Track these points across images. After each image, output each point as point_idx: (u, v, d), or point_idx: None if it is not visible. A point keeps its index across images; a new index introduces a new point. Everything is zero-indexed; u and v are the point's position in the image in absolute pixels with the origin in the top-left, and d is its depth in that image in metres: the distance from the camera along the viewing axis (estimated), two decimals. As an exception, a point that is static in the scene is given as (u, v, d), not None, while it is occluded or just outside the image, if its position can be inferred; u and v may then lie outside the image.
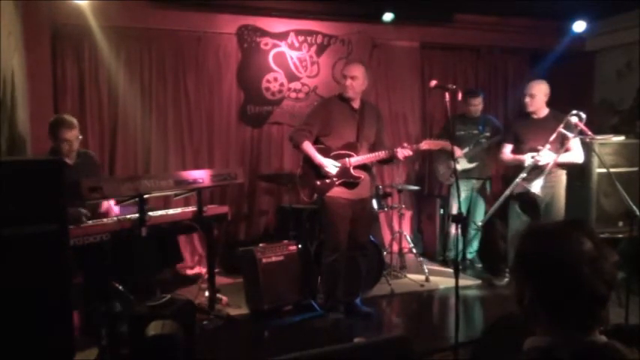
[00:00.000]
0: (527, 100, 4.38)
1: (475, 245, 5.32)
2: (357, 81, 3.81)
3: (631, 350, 1.14)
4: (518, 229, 4.55)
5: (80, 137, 3.82)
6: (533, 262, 1.19)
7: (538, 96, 4.35)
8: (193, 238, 5.21)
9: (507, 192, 3.98)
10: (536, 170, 4.16)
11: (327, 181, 3.81)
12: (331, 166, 3.77)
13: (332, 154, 3.81)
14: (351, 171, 3.80)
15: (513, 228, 4.59)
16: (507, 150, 4.58)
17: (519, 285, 1.22)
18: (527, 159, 4.24)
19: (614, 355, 1.12)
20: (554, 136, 4.09)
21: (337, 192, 3.83)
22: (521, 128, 4.50)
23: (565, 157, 4.27)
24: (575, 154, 4.32)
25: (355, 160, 3.81)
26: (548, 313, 1.17)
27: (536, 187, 4.10)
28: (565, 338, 1.15)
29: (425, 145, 3.83)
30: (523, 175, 4.12)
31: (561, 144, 4.17)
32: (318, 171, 3.80)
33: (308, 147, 3.80)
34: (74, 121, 3.79)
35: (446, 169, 5.25)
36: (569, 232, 1.18)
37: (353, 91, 3.82)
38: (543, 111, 4.39)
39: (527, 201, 4.38)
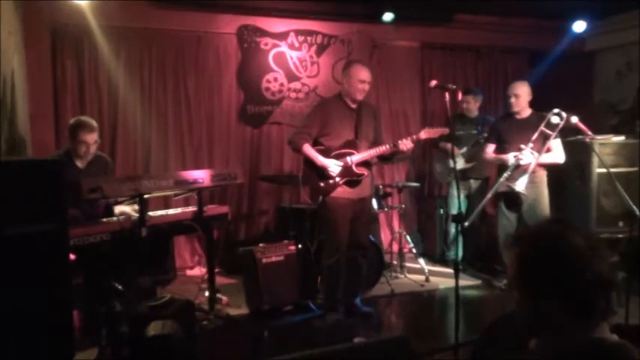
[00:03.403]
0: (512, 100, 4.42)
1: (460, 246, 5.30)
2: (369, 85, 3.90)
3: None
4: (506, 228, 4.58)
5: (98, 141, 3.86)
6: (537, 263, 1.20)
7: (522, 96, 4.40)
8: (193, 238, 5.21)
9: (491, 192, 4.02)
10: (520, 170, 4.18)
11: (331, 181, 3.78)
12: (334, 166, 3.75)
13: (333, 154, 3.80)
14: (354, 168, 3.80)
15: (502, 227, 4.62)
16: (490, 149, 4.61)
17: (525, 291, 1.21)
18: (510, 158, 4.26)
19: (625, 355, 1.13)
20: (536, 135, 4.12)
21: (340, 192, 3.82)
22: (505, 128, 4.53)
23: (546, 158, 4.30)
24: (556, 154, 4.35)
25: (357, 157, 3.80)
26: (560, 308, 1.17)
27: (520, 185, 4.12)
28: (575, 334, 1.16)
29: (424, 134, 3.81)
30: (506, 174, 4.14)
31: (543, 144, 4.19)
32: (320, 172, 3.78)
33: (308, 149, 3.79)
34: (95, 124, 3.83)
35: (443, 167, 5.26)
36: (563, 231, 1.21)
37: (365, 95, 3.90)
38: (526, 111, 4.44)
39: (511, 200, 4.41)
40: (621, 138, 4.84)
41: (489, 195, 3.99)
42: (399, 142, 3.77)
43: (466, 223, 4.17)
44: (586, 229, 1.25)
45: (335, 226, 3.82)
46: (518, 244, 1.25)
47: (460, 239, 4.85)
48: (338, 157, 3.79)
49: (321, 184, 3.80)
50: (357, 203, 3.87)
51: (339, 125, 3.84)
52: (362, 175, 3.82)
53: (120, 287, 3.43)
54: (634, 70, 5.86)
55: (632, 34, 5.52)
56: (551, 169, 4.48)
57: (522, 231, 1.33)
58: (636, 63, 5.76)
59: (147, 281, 3.90)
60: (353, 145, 3.83)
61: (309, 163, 3.82)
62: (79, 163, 3.79)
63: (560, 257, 1.17)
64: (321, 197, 3.85)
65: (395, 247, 5.11)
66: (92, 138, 3.78)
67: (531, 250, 1.22)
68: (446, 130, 3.87)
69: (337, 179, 3.78)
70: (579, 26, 5.78)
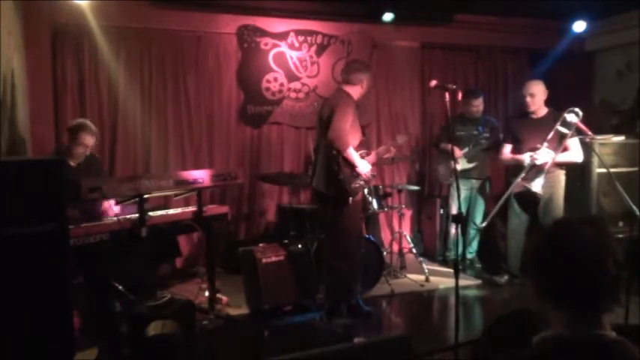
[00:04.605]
0: (528, 99, 4.40)
1: (475, 245, 5.32)
2: None
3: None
4: (517, 228, 4.57)
5: (95, 145, 3.98)
6: (545, 254, 1.22)
7: (538, 95, 4.38)
8: (193, 238, 5.21)
9: (508, 192, 4.00)
10: (535, 169, 4.17)
11: (361, 182, 3.76)
12: (369, 168, 3.76)
13: (357, 154, 3.76)
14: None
15: (512, 227, 4.61)
16: (507, 150, 4.59)
17: (534, 280, 1.24)
18: (526, 158, 4.25)
19: (622, 351, 1.14)
20: (551, 134, 4.11)
21: (359, 194, 3.85)
22: (520, 128, 4.52)
23: (563, 157, 4.28)
24: (573, 153, 4.33)
25: (371, 157, 3.85)
26: (564, 306, 1.19)
27: (537, 186, 4.11)
28: (576, 330, 1.17)
29: (399, 139, 4.14)
30: (522, 174, 4.13)
31: (559, 143, 4.18)
32: (352, 173, 3.72)
33: (352, 153, 3.69)
34: (95, 129, 3.96)
35: (446, 169, 5.25)
36: (580, 225, 1.22)
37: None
38: (542, 110, 4.42)
39: (526, 200, 4.40)
40: (621, 138, 4.84)
41: (506, 195, 3.99)
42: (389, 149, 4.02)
43: (483, 224, 4.19)
44: (607, 229, 1.23)
45: (356, 228, 3.83)
46: (535, 236, 1.28)
47: (460, 239, 4.86)
48: (360, 157, 3.78)
49: (355, 186, 3.75)
50: (361, 203, 3.93)
51: (356, 125, 3.83)
52: (375, 175, 3.85)
53: (120, 287, 3.44)
54: (634, 70, 5.86)
55: (632, 34, 5.53)
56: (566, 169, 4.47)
57: (546, 224, 1.34)
58: (636, 63, 5.76)
59: (167, 268, 3.97)
60: (367, 145, 3.87)
61: (345, 164, 3.69)
62: (72, 162, 3.85)
63: (568, 250, 1.19)
64: (351, 199, 3.76)
65: (395, 247, 5.11)
66: (92, 141, 3.88)
67: (541, 242, 1.25)
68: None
69: (361, 182, 3.77)
70: (579, 26, 5.78)
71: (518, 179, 4.12)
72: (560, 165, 4.37)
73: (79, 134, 3.81)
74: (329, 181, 3.73)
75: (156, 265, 4.03)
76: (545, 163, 4.15)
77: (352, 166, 3.70)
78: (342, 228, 3.81)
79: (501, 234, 4.95)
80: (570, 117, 4.03)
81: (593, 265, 1.16)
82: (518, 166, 4.36)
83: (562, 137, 4.15)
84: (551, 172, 4.27)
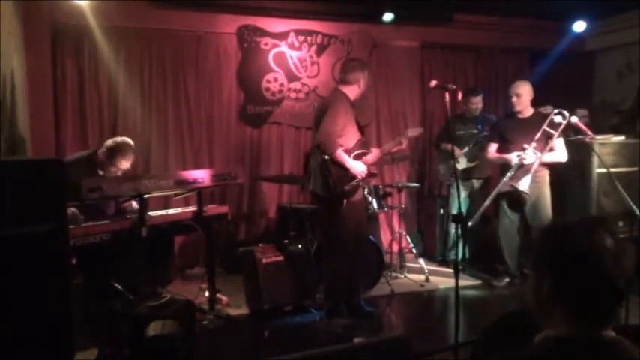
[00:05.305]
0: (514, 99, 4.45)
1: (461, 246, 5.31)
2: None
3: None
4: (509, 228, 4.59)
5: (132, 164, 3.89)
6: (555, 255, 1.21)
7: (524, 95, 4.43)
8: (193, 237, 5.21)
9: (495, 192, 4.03)
10: (523, 169, 4.20)
11: (354, 183, 3.74)
12: (363, 168, 3.74)
13: (352, 155, 3.74)
14: (369, 168, 3.83)
15: (504, 227, 4.63)
16: (492, 149, 4.62)
17: (538, 279, 1.23)
18: (514, 158, 4.28)
19: (621, 351, 1.14)
20: (538, 134, 4.13)
21: (358, 194, 3.84)
22: (507, 128, 4.55)
23: (549, 157, 4.33)
24: (558, 153, 4.39)
25: (370, 157, 3.83)
26: (567, 307, 1.18)
27: (524, 185, 4.14)
28: (576, 330, 1.17)
29: (411, 132, 4.05)
30: (510, 174, 4.15)
31: (546, 143, 4.21)
32: (345, 174, 3.70)
33: (342, 155, 3.66)
34: (133, 148, 3.81)
35: (447, 169, 5.26)
36: (592, 228, 1.19)
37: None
38: (528, 111, 4.46)
39: (513, 200, 4.43)
40: (621, 138, 4.84)
41: (493, 195, 4.00)
42: (400, 142, 3.91)
43: (470, 223, 4.21)
44: (617, 231, 1.21)
45: (353, 228, 3.81)
46: (544, 234, 1.26)
47: (461, 239, 4.86)
48: (357, 158, 3.76)
49: (348, 188, 3.72)
50: (363, 202, 3.92)
51: (351, 125, 3.80)
52: (376, 174, 3.84)
53: (120, 287, 3.44)
54: (634, 70, 5.86)
55: (632, 34, 5.53)
56: (552, 169, 4.49)
57: (554, 222, 1.32)
58: (636, 63, 5.76)
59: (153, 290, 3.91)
60: (365, 145, 3.85)
61: (336, 167, 3.67)
62: (101, 171, 3.76)
63: (579, 254, 1.17)
64: (345, 201, 3.75)
65: (395, 247, 5.11)
66: (127, 165, 3.78)
67: (549, 243, 1.23)
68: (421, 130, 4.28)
69: (356, 182, 3.75)
70: (579, 26, 5.78)
71: (505, 179, 4.15)
72: (545, 165, 4.40)
73: (116, 156, 3.70)
74: (323, 183, 3.72)
75: (155, 266, 4.01)
76: (533, 163, 4.19)
77: (345, 168, 3.68)
78: (340, 229, 3.80)
79: (499, 234, 4.95)
80: (557, 118, 4.06)
81: (608, 274, 1.14)
82: (505, 166, 4.40)
83: (548, 138, 4.19)
84: (538, 171, 4.31)
